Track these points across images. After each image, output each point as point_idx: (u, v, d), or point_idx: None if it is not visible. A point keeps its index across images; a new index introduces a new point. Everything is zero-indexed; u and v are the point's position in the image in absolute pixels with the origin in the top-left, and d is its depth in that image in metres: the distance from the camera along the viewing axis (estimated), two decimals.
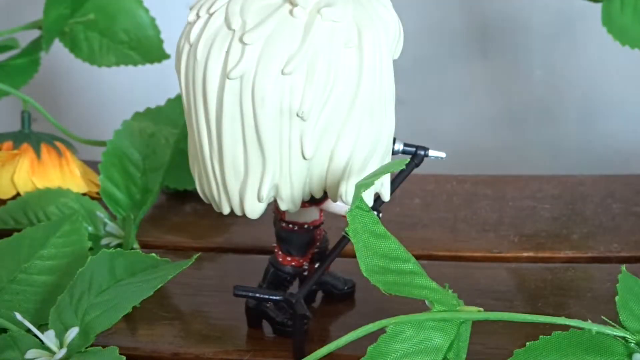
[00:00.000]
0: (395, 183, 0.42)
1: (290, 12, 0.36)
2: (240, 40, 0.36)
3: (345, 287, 0.46)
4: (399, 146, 0.42)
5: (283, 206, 0.39)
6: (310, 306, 0.45)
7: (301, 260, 0.43)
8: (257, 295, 0.42)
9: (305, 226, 0.42)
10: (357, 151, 0.38)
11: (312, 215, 0.42)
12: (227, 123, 0.37)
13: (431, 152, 0.43)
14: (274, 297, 0.42)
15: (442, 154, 0.43)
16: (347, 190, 0.38)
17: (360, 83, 0.37)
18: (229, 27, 0.37)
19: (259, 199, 0.38)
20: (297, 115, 0.37)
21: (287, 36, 0.36)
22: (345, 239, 0.43)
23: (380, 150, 0.39)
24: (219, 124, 0.37)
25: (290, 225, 0.42)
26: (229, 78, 0.36)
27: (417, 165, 0.43)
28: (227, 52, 0.36)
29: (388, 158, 0.40)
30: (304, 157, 0.38)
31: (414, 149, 0.42)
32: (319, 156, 0.38)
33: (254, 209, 0.39)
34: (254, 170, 0.38)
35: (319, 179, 0.39)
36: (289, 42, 0.36)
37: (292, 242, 0.43)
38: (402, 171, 0.41)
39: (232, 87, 0.37)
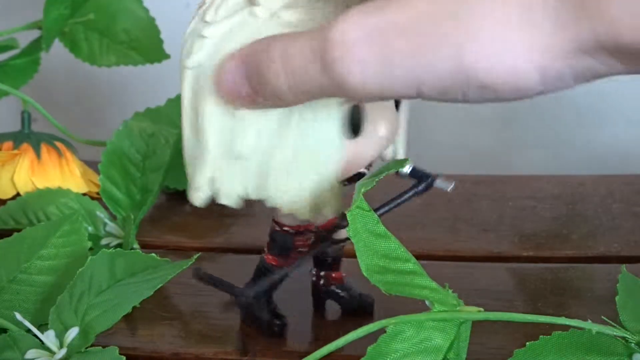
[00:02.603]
0: (390, 206, 0.40)
1: (251, 11, 0.36)
2: (201, 35, 0.37)
3: (357, 306, 0.44)
4: (408, 168, 0.39)
5: (222, 200, 0.39)
6: (309, 305, 0.45)
7: (280, 261, 0.42)
8: (212, 282, 0.43)
9: (285, 228, 0.41)
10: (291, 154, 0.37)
11: (294, 219, 0.40)
12: (185, 111, 0.38)
13: (438, 182, 0.40)
14: (223, 288, 0.43)
15: (450, 185, 0.40)
16: (271, 195, 0.38)
17: None
18: (203, 19, 0.37)
19: (197, 189, 0.38)
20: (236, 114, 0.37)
21: (242, 35, 0.36)
22: (324, 243, 0.41)
23: (306, 158, 0.37)
24: (184, 111, 0.38)
25: (275, 224, 0.42)
26: (186, 67, 0.37)
27: (418, 193, 0.40)
28: (192, 43, 0.37)
29: (324, 168, 0.38)
30: (240, 156, 0.37)
31: (420, 174, 0.39)
32: (256, 156, 0.37)
33: (194, 197, 0.39)
34: (199, 160, 0.38)
35: (253, 179, 0.38)
36: (242, 40, 0.36)
37: (273, 240, 0.42)
38: (400, 195, 0.39)
39: (190, 77, 0.37)
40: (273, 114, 0.36)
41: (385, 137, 0.38)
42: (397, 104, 0.39)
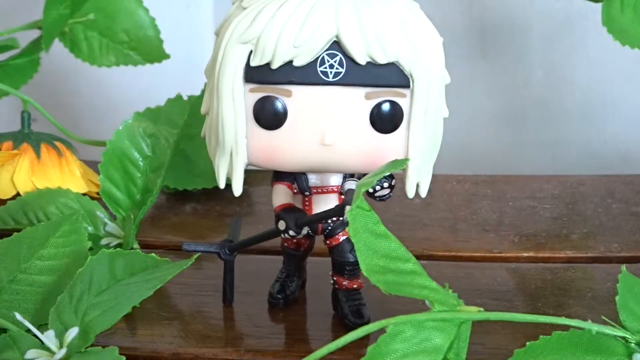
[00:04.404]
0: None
1: None
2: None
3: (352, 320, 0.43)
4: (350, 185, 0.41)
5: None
6: (310, 305, 0.45)
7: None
8: (201, 249, 0.44)
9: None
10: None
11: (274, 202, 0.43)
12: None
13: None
14: (210, 250, 0.45)
15: None
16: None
17: None
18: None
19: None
20: None
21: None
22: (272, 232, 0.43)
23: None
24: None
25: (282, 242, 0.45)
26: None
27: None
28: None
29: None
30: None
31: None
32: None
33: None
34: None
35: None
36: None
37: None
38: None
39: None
40: None
41: (313, 140, 0.39)
42: (394, 127, 0.39)
